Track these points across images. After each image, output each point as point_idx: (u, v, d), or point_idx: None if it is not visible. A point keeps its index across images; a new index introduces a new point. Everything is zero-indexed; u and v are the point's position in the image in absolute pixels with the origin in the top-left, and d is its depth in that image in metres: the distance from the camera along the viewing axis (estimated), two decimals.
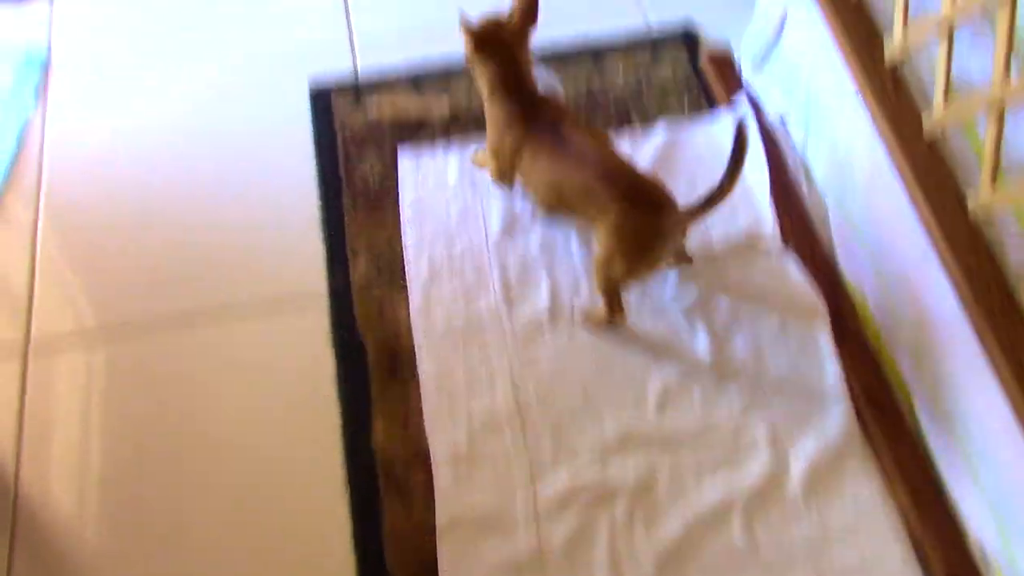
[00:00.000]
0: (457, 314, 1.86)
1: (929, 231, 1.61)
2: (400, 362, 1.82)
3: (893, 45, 1.74)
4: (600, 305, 1.82)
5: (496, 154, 1.89)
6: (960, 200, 1.59)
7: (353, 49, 2.30)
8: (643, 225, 1.69)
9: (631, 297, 1.86)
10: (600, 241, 1.74)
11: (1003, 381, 1.46)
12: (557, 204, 1.83)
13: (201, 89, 2.25)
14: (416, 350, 1.82)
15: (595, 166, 1.72)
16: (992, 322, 1.49)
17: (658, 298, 1.88)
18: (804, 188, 2.00)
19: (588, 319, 1.86)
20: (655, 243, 1.71)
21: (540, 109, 1.81)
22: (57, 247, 2.01)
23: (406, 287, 1.90)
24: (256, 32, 2.35)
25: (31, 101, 2.22)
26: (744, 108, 2.10)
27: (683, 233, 1.80)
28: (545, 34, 2.25)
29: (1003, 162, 1.53)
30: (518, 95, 1.82)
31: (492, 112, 1.85)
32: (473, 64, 1.84)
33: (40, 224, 2.03)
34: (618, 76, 2.24)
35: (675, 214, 1.69)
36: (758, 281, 1.91)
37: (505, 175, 1.91)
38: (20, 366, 1.84)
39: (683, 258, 1.91)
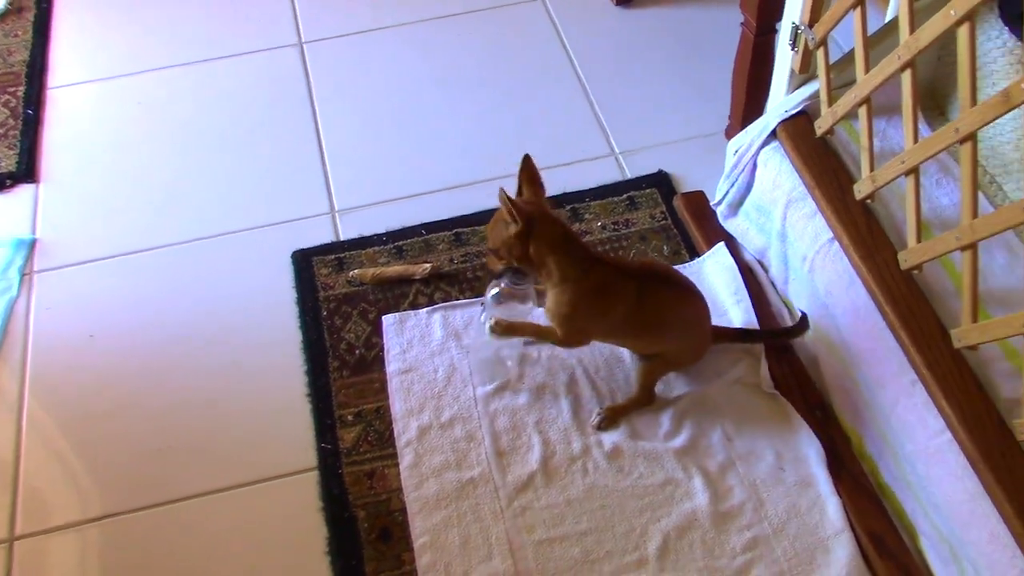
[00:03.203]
0: (449, 481, 1.83)
1: (916, 369, 1.61)
2: (393, 530, 1.79)
3: (862, 185, 1.77)
4: (622, 402, 1.92)
5: (584, 324, 1.80)
6: (944, 335, 1.59)
7: (335, 219, 2.34)
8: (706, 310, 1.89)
9: (624, 445, 1.86)
10: (673, 341, 1.87)
11: (1004, 515, 1.44)
12: (635, 338, 1.88)
13: (185, 265, 2.26)
14: (409, 518, 1.79)
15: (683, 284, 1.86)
16: (985, 452, 1.48)
17: (651, 445, 1.86)
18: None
19: (616, 415, 1.90)
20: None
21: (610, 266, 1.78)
22: (43, 427, 1.98)
23: (396, 455, 1.88)
24: (241, 206, 2.38)
25: (16, 282, 2.23)
26: (725, 255, 2.13)
27: None
28: None
29: (982, 286, 1.54)
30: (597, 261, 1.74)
31: (586, 286, 1.72)
32: (543, 251, 1.68)
33: (26, 405, 2.02)
34: (596, 222, 2.27)
35: None
36: (751, 422, 1.89)
37: (581, 341, 1.88)
38: (6, 551, 1.80)
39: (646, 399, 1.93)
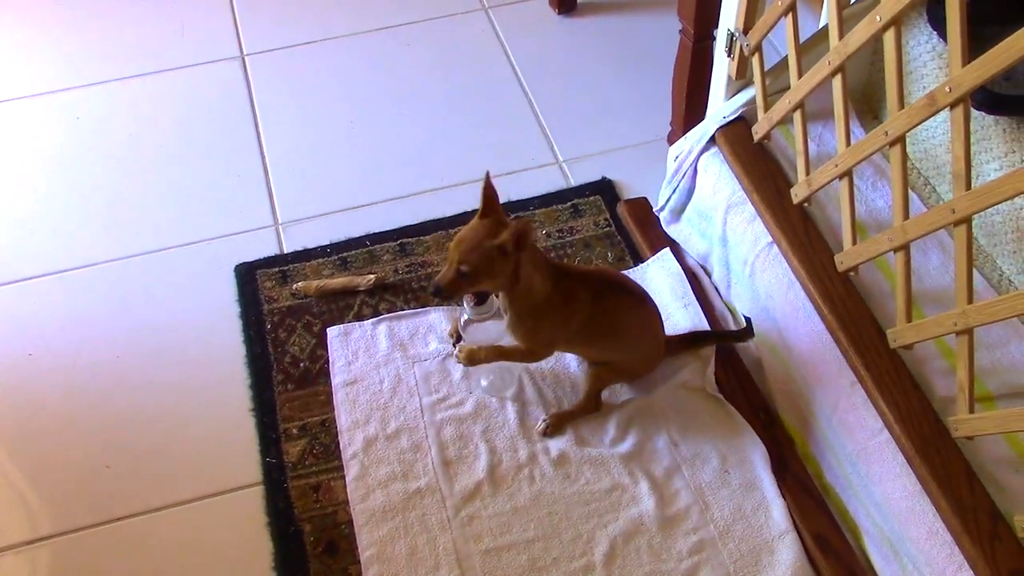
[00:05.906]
0: (396, 492, 1.82)
1: (855, 369, 1.63)
2: (339, 543, 1.77)
3: (799, 189, 1.79)
4: (568, 409, 1.92)
5: (551, 337, 1.80)
6: (881, 335, 1.62)
7: (278, 231, 2.33)
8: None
9: (571, 452, 1.86)
10: (626, 349, 1.88)
11: (941, 511, 1.47)
12: (589, 345, 1.87)
13: (127, 281, 2.24)
14: (355, 531, 1.78)
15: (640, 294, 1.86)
16: (922, 450, 1.50)
17: (597, 451, 1.87)
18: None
19: (561, 421, 1.90)
20: None
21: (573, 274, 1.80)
22: None
23: (342, 467, 1.87)
24: (183, 220, 2.36)
25: None
26: (671, 260, 2.14)
27: None
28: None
29: (917, 287, 1.57)
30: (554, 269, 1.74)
31: (554, 298, 1.71)
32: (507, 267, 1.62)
33: None
34: (541, 230, 2.28)
35: None
36: (695, 426, 1.90)
37: (548, 352, 1.88)
38: None
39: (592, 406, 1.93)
